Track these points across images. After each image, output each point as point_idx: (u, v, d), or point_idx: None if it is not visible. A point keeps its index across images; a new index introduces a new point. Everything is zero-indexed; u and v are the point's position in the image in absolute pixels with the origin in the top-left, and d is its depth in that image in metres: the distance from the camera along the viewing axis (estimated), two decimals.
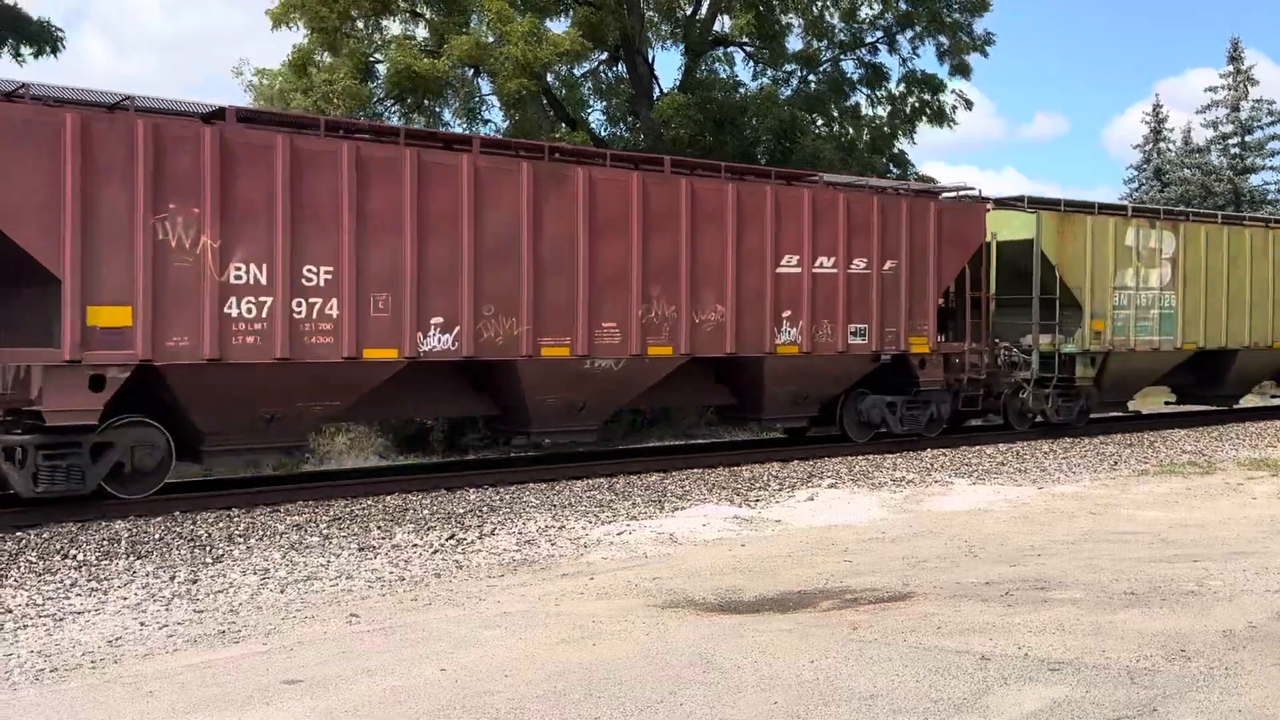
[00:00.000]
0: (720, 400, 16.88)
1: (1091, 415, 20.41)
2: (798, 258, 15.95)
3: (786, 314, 15.87)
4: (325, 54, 24.36)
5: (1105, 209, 20.33)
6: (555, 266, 13.83)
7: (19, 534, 10.57)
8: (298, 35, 24.31)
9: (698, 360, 15.38)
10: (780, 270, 15.79)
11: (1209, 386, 22.61)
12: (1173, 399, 24.21)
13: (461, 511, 11.99)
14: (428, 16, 25.13)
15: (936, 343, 17.54)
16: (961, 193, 18.75)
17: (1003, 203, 19.62)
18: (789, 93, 28.30)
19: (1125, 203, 20.81)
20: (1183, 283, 20.75)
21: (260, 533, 10.81)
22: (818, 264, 16.16)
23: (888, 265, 16.87)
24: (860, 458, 16.60)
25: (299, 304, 12.10)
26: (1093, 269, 19.46)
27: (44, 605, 8.06)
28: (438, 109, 24.85)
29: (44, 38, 20.20)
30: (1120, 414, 21.68)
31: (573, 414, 14.50)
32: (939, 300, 17.73)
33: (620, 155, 15.11)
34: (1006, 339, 19.14)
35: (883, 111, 29.60)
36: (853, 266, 16.51)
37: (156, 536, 10.55)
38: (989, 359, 18.65)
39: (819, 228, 16.14)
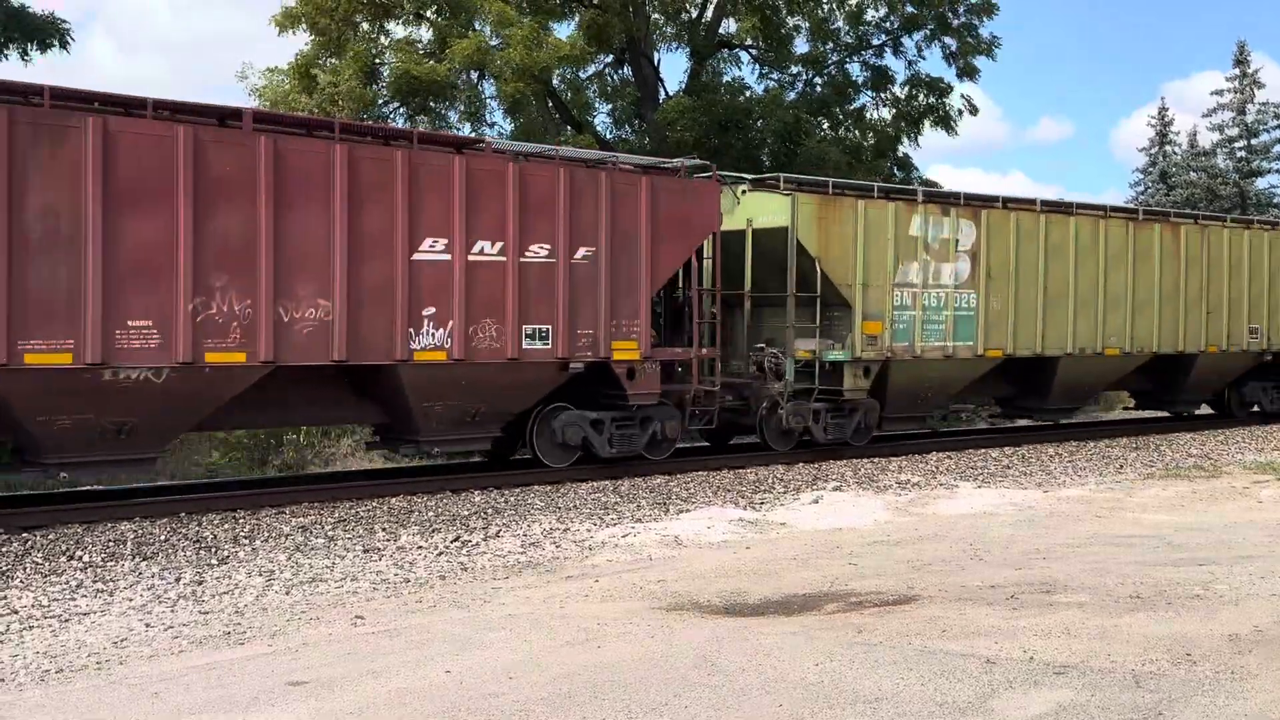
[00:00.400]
0: (370, 418, 13.88)
1: (877, 433, 17.68)
2: (445, 241, 12.88)
3: (429, 312, 12.80)
4: (330, 58, 24.42)
5: (887, 192, 17.50)
6: (49, 246, 10.64)
7: (25, 535, 10.59)
8: (303, 39, 24.42)
9: (339, 369, 12.58)
10: (420, 257, 12.72)
11: (1032, 399, 19.87)
12: (998, 411, 21.66)
13: (466, 513, 12.00)
14: (431, 18, 25.18)
15: (651, 348, 14.65)
16: (686, 167, 15.56)
17: (761, 183, 16.89)
18: (794, 95, 28.34)
19: (915, 187, 18.17)
20: (985, 279, 17.84)
21: (266, 534, 10.82)
22: (476, 250, 13.10)
23: (581, 253, 13.91)
24: (865, 461, 16.58)
25: None
26: (865, 263, 16.60)
27: (50, 606, 8.07)
28: (443, 111, 24.91)
29: (49, 31, 19.95)
30: (917, 430, 19.08)
31: (108, 440, 11.28)
32: (654, 296, 15.04)
33: (171, 104, 11.61)
34: (778, 345, 16.51)
35: (887, 114, 29.65)
36: (529, 254, 13.51)
37: (162, 538, 10.57)
38: (749, 367, 16.48)
39: (479, 205, 13.08)
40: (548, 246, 13.69)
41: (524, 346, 13.52)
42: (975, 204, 18.12)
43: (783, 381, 16.29)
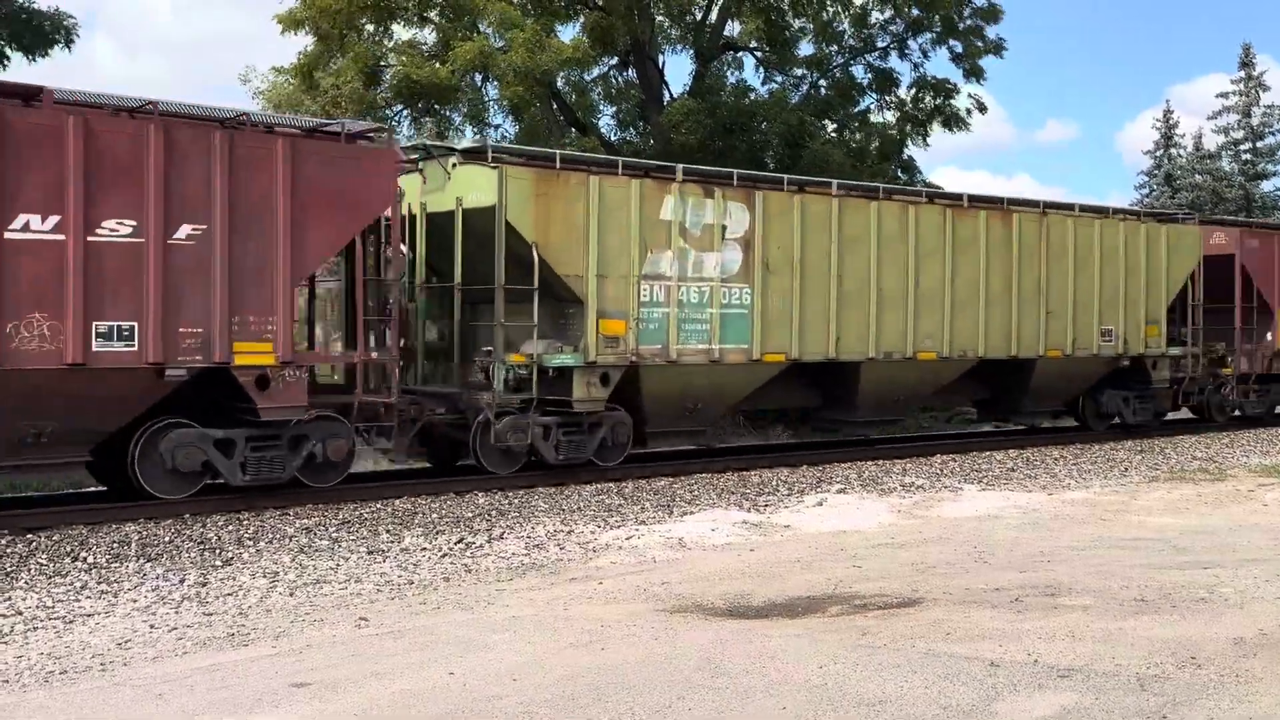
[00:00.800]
0: None
1: (640, 450, 15.38)
2: None
3: None
4: (334, 59, 24.44)
5: (632, 168, 14.92)
6: None
7: (29, 536, 10.61)
8: (306, 39, 24.43)
9: None
10: None
11: (839, 409, 17.30)
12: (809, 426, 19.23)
13: (470, 515, 12.00)
14: (435, 20, 25.20)
15: (292, 351, 11.99)
16: (349, 132, 12.77)
17: (472, 154, 14.24)
18: (798, 98, 28.35)
19: (674, 165, 15.67)
20: (762, 272, 15.33)
21: (270, 536, 10.83)
22: (18, 226, 10.50)
23: (185, 232, 11.28)
24: (870, 463, 16.56)
25: None
26: (601, 250, 14.04)
27: (54, 607, 8.09)
28: (447, 113, 24.94)
29: (55, 28, 19.78)
30: (692, 447, 16.50)
31: None
32: (306, 287, 12.73)
33: None
34: (511, 349, 13.99)
35: (891, 116, 29.66)
36: (102, 232, 10.88)
37: (166, 539, 10.58)
38: (475, 373, 14.26)
39: (21, 169, 10.52)
40: (131, 223, 11.06)
41: (95, 348, 10.89)
42: (749, 185, 15.64)
43: (491, 392, 13.77)
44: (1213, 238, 21.64)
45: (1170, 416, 22.10)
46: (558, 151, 14.65)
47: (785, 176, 16.41)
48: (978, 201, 18.08)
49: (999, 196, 18.66)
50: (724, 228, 15.09)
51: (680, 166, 15.36)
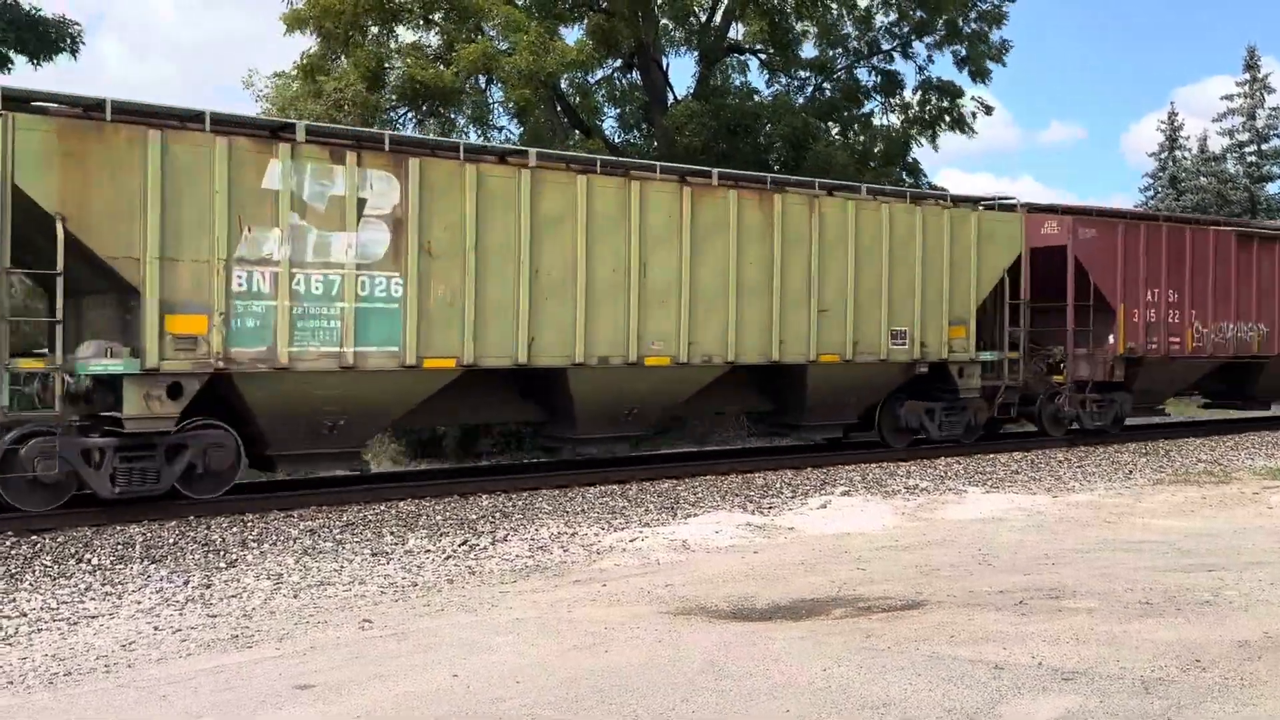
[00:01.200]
0: None
1: (277, 477, 13.40)
2: None
3: None
4: (341, 59, 24.49)
5: (224, 123, 11.83)
6: None
7: (34, 537, 10.62)
8: (309, 41, 24.47)
9: None
10: None
11: (562, 424, 14.81)
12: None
13: (474, 517, 12.01)
14: (439, 22, 25.23)
15: None
16: None
17: (10, 96, 10.96)
18: (802, 100, 28.40)
19: (292, 120, 13.48)
20: (418, 257, 12.64)
21: (274, 537, 10.84)
22: None
23: None
24: (874, 465, 16.54)
25: None
26: (165, 227, 11.17)
27: (58, 609, 8.10)
28: (452, 115, 24.97)
29: (60, 35, 19.77)
30: (349, 472, 14.14)
31: None
32: None
33: None
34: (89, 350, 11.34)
35: (896, 119, 29.70)
36: None
37: (170, 541, 10.59)
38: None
39: None
40: None
41: None
42: (402, 150, 12.82)
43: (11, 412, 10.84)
44: (1043, 227, 19.12)
45: (1018, 429, 20.15)
46: (109, 98, 11.19)
47: (462, 143, 13.59)
48: (731, 180, 15.37)
49: (760, 175, 16.15)
50: (362, 201, 12.36)
51: (302, 124, 12.43)
